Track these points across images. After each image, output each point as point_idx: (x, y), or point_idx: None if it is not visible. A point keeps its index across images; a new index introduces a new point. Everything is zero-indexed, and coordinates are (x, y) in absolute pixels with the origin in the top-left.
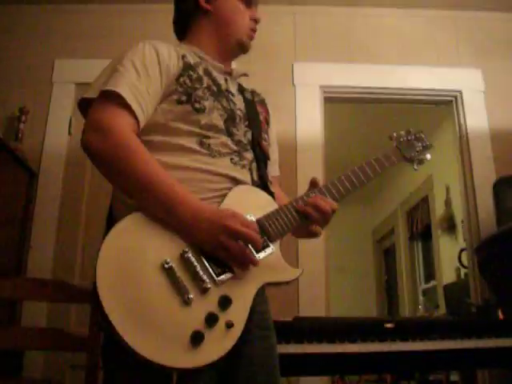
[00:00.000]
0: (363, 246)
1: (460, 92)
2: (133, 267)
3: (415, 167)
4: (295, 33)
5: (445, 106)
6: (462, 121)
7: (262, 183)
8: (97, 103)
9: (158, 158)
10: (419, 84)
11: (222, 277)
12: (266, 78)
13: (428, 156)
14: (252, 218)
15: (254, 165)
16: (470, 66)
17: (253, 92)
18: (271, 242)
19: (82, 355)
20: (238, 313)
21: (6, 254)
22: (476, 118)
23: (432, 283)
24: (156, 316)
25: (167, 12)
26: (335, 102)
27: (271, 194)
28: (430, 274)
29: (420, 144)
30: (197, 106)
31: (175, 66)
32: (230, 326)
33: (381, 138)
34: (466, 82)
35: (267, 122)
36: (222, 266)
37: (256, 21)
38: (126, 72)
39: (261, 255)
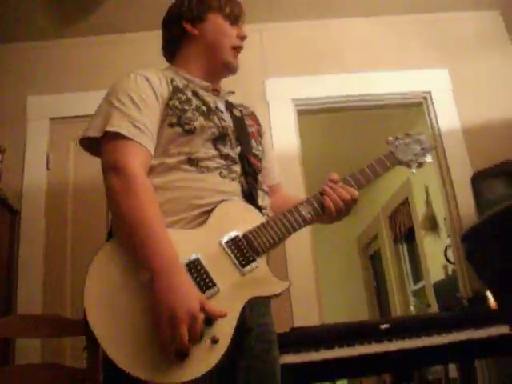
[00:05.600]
0: (350, 254)
1: (429, 93)
2: (117, 288)
3: (413, 171)
4: (263, 49)
5: (416, 107)
6: (433, 121)
7: (252, 196)
8: (107, 144)
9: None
10: (389, 89)
11: (207, 293)
12: (239, 96)
13: (429, 158)
14: (237, 233)
15: (243, 178)
16: (437, 67)
17: (241, 106)
18: (257, 255)
19: None
20: (223, 328)
21: None
22: (447, 116)
23: (421, 283)
24: (142, 335)
25: (137, 40)
26: (308, 114)
27: (259, 208)
28: (417, 275)
29: (419, 147)
30: (187, 127)
31: (166, 91)
32: (215, 341)
33: (357, 145)
34: (434, 83)
35: (260, 134)
36: (206, 281)
37: (242, 38)
38: (125, 108)
39: (246, 269)
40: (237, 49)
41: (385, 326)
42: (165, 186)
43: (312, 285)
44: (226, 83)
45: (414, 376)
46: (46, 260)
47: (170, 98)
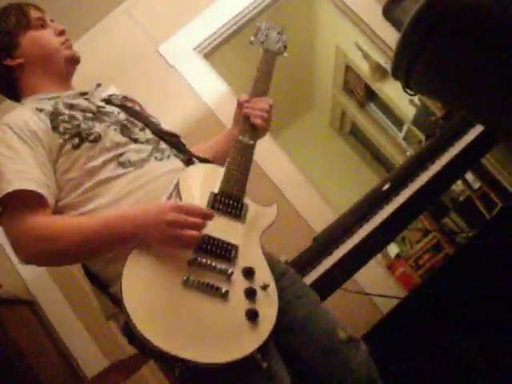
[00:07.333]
0: (331, 142)
1: None
2: (163, 299)
3: (286, 55)
4: (140, 23)
5: None
6: None
7: (191, 158)
8: (1, 215)
9: (96, 206)
10: None
11: (232, 255)
12: (146, 81)
13: (285, 36)
14: (213, 191)
15: (174, 151)
16: None
17: (111, 95)
18: (242, 199)
19: None
20: (263, 272)
21: None
22: None
23: (405, 129)
24: (210, 326)
25: None
26: (213, 52)
27: (207, 160)
28: (398, 122)
29: (275, 32)
30: (91, 137)
31: (36, 122)
32: (266, 287)
33: None
34: None
35: (143, 108)
36: (225, 247)
37: (61, 32)
38: None
39: (242, 215)
40: (65, 43)
41: (386, 186)
42: (116, 200)
43: (310, 189)
44: (129, 74)
45: (445, 207)
46: (80, 316)
47: (55, 126)
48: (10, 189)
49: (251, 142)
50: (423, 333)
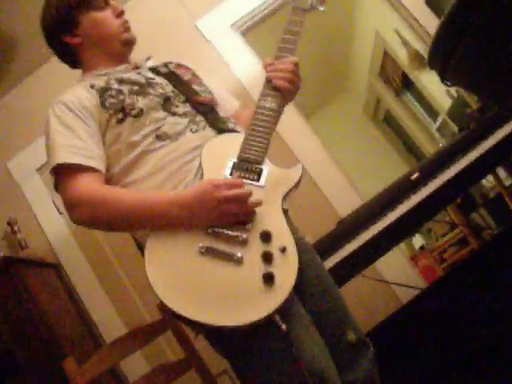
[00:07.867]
0: (364, 128)
1: None
2: (182, 270)
3: (321, 8)
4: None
5: None
6: None
7: (223, 126)
8: (57, 183)
9: (135, 178)
10: None
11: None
12: (182, 54)
13: None
14: (233, 159)
15: (208, 119)
16: None
17: (165, 64)
18: (261, 164)
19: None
20: (282, 235)
21: None
22: None
23: (440, 118)
24: (226, 291)
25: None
26: (251, 30)
27: (233, 130)
28: (433, 112)
29: None
30: (134, 112)
31: (89, 98)
32: (283, 250)
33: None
34: None
35: (196, 76)
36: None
37: (120, 14)
38: (53, 142)
39: (262, 180)
40: (123, 25)
41: (415, 175)
42: (151, 173)
43: (338, 173)
44: (160, 45)
45: (475, 202)
46: (102, 282)
47: (102, 101)
48: (61, 161)
49: (273, 105)
50: (440, 327)
